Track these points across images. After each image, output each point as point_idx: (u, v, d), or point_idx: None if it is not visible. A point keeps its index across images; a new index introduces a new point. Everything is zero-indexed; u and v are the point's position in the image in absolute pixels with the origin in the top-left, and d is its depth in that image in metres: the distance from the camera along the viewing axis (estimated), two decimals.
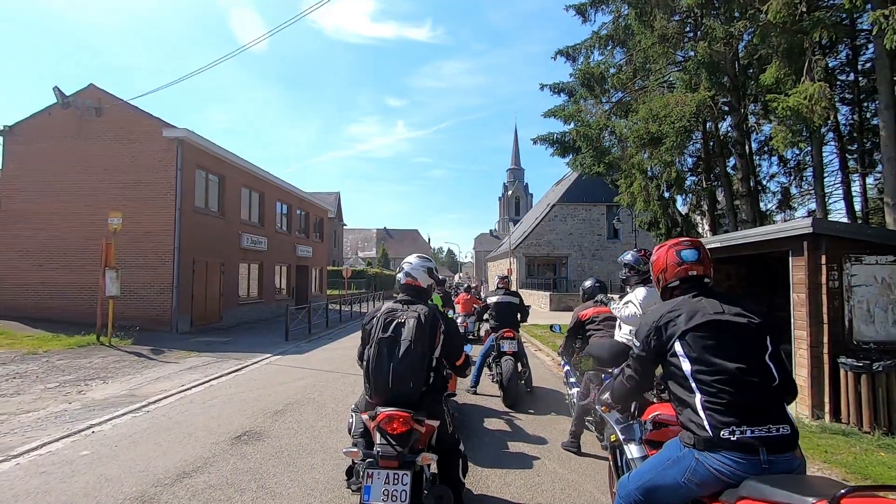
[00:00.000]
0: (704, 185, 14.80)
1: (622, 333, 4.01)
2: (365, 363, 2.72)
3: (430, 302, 3.10)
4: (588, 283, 5.30)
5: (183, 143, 13.71)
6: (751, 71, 12.02)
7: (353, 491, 2.74)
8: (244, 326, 15.90)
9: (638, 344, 2.12)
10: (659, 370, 2.18)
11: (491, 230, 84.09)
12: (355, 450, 2.61)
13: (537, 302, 26.48)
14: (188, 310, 13.91)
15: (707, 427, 1.76)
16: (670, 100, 11.37)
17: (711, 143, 14.40)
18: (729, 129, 14.15)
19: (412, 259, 3.21)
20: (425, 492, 2.52)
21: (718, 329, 1.88)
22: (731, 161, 14.30)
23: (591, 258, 31.99)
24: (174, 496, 3.57)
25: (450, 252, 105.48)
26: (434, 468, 2.69)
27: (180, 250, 13.46)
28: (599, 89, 14.40)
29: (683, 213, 15.86)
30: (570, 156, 16.25)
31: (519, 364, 6.34)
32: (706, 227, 16.96)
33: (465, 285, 16.77)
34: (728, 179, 14.09)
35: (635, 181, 13.86)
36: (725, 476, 1.70)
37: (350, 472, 2.82)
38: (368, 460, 2.47)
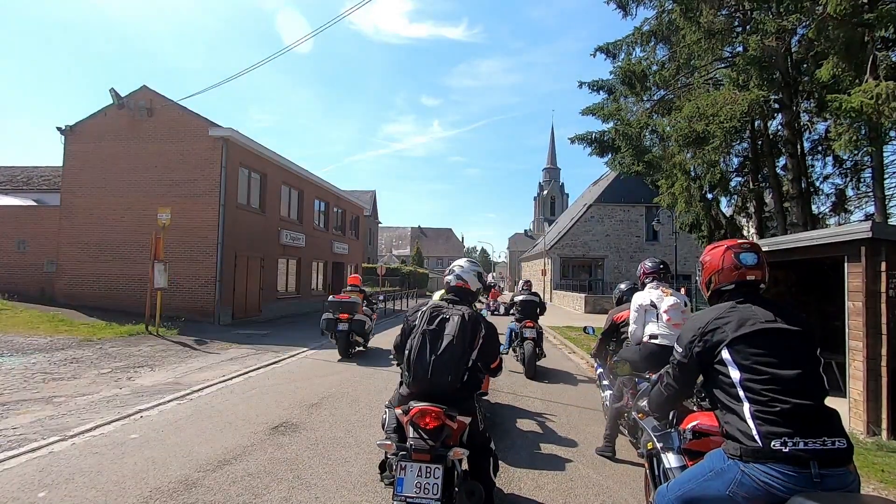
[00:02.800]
0: (751, 187, 14.14)
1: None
2: (407, 352, 2.75)
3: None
4: (623, 286, 5.20)
5: (227, 142, 14.23)
6: (804, 66, 11.40)
7: (385, 484, 2.79)
8: (282, 320, 16.35)
9: (680, 350, 2.03)
10: (699, 379, 2.10)
11: (526, 230, 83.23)
12: (389, 442, 2.65)
13: (571, 304, 26.05)
14: (230, 302, 14.45)
15: (756, 437, 1.67)
16: (719, 98, 10.88)
17: (760, 142, 13.75)
18: (779, 127, 13.45)
19: (463, 263, 3.30)
20: (456, 487, 2.54)
21: (772, 337, 1.80)
22: (781, 161, 13.61)
23: (628, 260, 31.10)
24: (215, 482, 3.72)
25: (483, 251, 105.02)
26: (465, 465, 2.69)
27: (223, 245, 14.00)
28: (640, 87, 13.96)
29: (728, 214, 15.21)
30: (609, 155, 15.86)
31: (537, 347, 8.23)
32: (752, 231, 16.23)
33: (495, 284, 20.46)
34: (777, 180, 13.40)
35: (677, 181, 13.38)
36: (775, 489, 1.61)
37: (383, 465, 2.87)
38: (402, 453, 2.51)
